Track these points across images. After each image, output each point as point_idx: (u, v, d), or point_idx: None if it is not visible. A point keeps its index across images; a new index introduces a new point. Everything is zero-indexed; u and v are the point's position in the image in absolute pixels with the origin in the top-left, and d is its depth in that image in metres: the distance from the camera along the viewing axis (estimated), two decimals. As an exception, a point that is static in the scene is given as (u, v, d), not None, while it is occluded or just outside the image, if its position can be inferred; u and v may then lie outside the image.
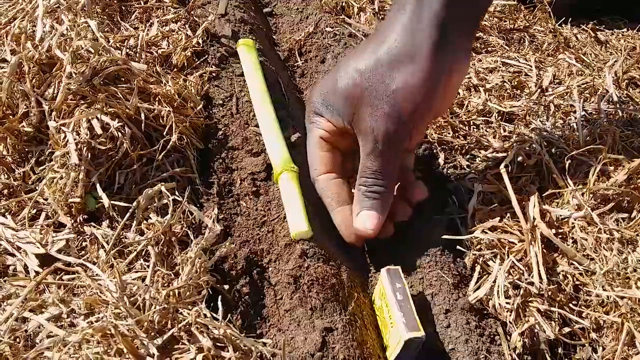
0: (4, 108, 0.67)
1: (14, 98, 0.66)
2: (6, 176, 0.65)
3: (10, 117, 0.66)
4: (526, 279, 0.61)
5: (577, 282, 0.63)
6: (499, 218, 0.67)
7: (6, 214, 0.63)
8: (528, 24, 1.11)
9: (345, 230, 0.68)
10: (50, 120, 0.64)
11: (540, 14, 1.19)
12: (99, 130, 0.63)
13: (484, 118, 0.83)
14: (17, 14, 0.83)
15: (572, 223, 0.65)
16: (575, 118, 0.83)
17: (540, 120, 0.82)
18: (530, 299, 0.61)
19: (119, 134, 0.64)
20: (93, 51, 0.68)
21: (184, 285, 0.53)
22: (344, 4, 1.06)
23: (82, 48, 0.69)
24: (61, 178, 0.61)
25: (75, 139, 0.62)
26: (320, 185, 0.70)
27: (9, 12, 0.84)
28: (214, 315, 0.53)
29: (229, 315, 0.57)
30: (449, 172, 0.79)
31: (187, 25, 0.84)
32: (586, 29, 1.20)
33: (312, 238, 0.64)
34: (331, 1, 1.04)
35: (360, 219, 0.65)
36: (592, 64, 0.96)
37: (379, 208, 0.65)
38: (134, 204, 0.61)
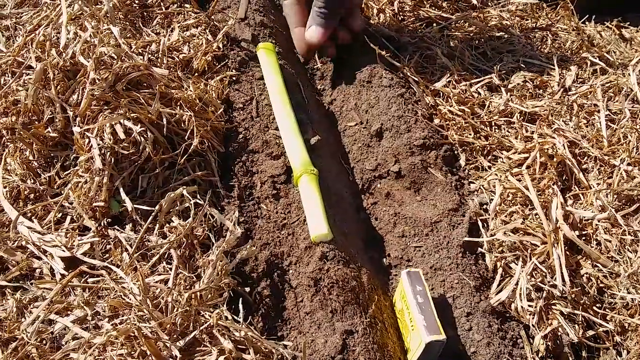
0: (30, 114, 0.68)
1: (39, 104, 0.68)
2: (32, 181, 0.66)
3: (36, 122, 0.68)
4: (549, 282, 0.60)
5: (601, 285, 0.62)
6: (521, 220, 0.66)
7: (33, 217, 0.64)
8: (550, 22, 1.10)
9: (298, 42, 0.90)
10: (74, 125, 0.66)
11: (563, 11, 1.17)
12: (122, 135, 0.64)
13: (506, 119, 0.82)
14: (42, 22, 0.85)
15: (596, 225, 0.64)
16: (599, 118, 0.82)
17: (563, 120, 0.81)
18: (553, 301, 0.60)
19: (142, 138, 0.65)
20: (116, 57, 0.69)
21: (206, 288, 0.54)
22: (363, 5, 1.06)
23: (105, 54, 0.70)
24: (85, 182, 0.62)
25: (99, 144, 0.63)
26: (285, 10, 0.92)
27: (33, 20, 0.86)
28: (235, 317, 0.53)
29: (249, 317, 0.57)
30: (470, 173, 0.79)
31: (207, 30, 0.84)
32: (610, 26, 1.18)
33: (332, 240, 0.64)
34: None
35: (310, 31, 0.85)
36: (616, 62, 0.94)
37: (324, 24, 0.84)
38: (157, 207, 0.62)
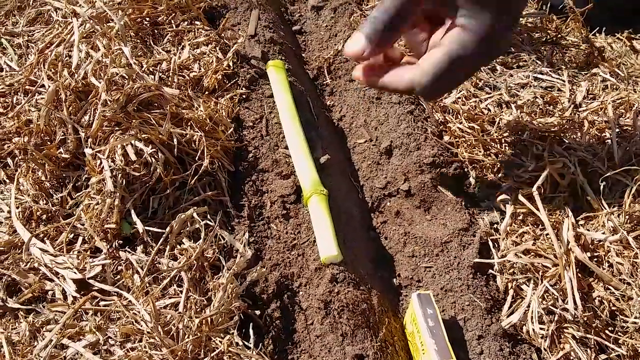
0: (42, 134, 0.69)
1: (52, 125, 0.68)
2: (45, 201, 0.67)
3: (48, 143, 0.68)
4: (561, 305, 0.60)
5: (613, 308, 0.61)
6: (532, 241, 0.66)
7: (45, 238, 0.64)
8: (560, 35, 1.09)
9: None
10: (86, 147, 0.66)
11: (573, 23, 1.17)
12: (133, 157, 0.64)
13: (516, 136, 0.82)
14: (54, 39, 0.85)
15: (608, 247, 0.64)
16: (610, 135, 0.81)
17: (574, 137, 0.81)
18: (565, 325, 0.60)
19: (153, 159, 0.65)
20: (127, 77, 0.70)
21: (217, 312, 0.54)
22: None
23: (117, 75, 0.70)
24: (97, 204, 0.63)
25: (110, 166, 0.63)
26: None
27: (45, 38, 0.87)
28: (246, 343, 0.53)
29: (260, 340, 0.57)
30: (480, 191, 0.78)
31: (217, 48, 0.85)
32: (621, 37, 1.17)
33: (342, 262, 0.64)
34: (360, 18, 1.04)
35: (350, 39, 0.60)
36: (627, 78, 0.94)
37: (369, 34, 0.59)
38: (167, 229, 0.62)
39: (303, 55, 1.04)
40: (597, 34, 1.18)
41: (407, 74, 0.60)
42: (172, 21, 0.89)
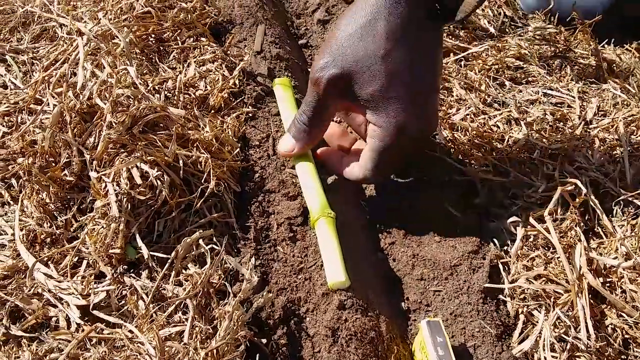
0: (47, 156, 0.68)
1: (56, 147, 0.68)
2: (49, 224, 0.66)
3: (53, 165, 0.67)
4: (573, 334, 0.58)
5: (626, 336, 0.60)
6: (544, 266, 0.65)
7: (49, 262, 0.64)
8: (569, 48, 1.08)
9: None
10: (91, 169, 0.65)
11: (582, 35, 1.16)
12: (138, 180, 0.64)
13: (526, 154, 0.81)
14: (59, 57, 0.85)
15: (621, 273, 0.63)
16: (622, 153, 0.80)
17: (585, 155, 0.80)
18: (578, 353, 0.59)
19: (158, 182, 0.65)
20: (133, 98, 0.69)
21: (222, 343, 0.53)
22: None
23: (122, 95, 0.70)
24: (102, 228, 0.62)
25: (115, 190, 0.62)
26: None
27: (50, 55, 0.86)
28: (252, 375, 0.52)
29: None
30: (490, 211, 0.77)
31: (223, 65, 0.84)
32: (630, 48, 1.16)
33: (350, 287, 0.63)
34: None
35: (281, 140, 0.74)
36: (638, 94, 0.93)
37: (295, 135, 0.71)
38: (173, 254, 0.62)
39: (310, 70, 1.03)
40: (606, 45, 1.17)
41: (356, 169, 0.72)
42: (178, 38, 0.88)
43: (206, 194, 0.67)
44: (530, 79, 0.96)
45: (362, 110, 0.66)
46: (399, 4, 0.61)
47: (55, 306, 0.60)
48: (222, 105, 0.79)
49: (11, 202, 0.70)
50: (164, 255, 0.62)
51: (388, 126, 0.65)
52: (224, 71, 0.83)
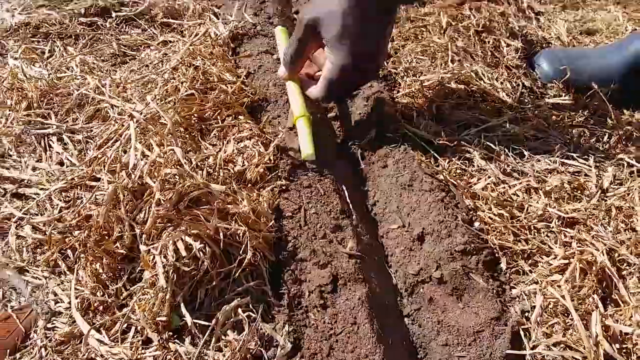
0: (101, 230, 0.75)
1: (110, 222, 0.75)
2: (101, 293, 0.73)
3: (106, 238, 0.75)
4: (592, 401, 0.61)
5: (644, 403, 0.63)
6: (562, 333, 0.68)
7: (101, 328, 0.70)
8: (586, 117, 1.13)
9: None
10: (140, 242, 0.72)
11: (600, 102, 1.21)
12: (183, 252, 0.70)
13: (545, 223, 0.85)
14: (111, 135, 0.94)
15: (636, 340, 0.65)
16: (637, 220, 0.83)
17: (602, 224, 0.83)
18: (597, 420, 0.61)
19: (201, 253, 0.71)
20: (179, 177, 0.76)
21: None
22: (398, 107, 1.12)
23: (169, 174, 0.77)
24: (150, 297, 0.68)
25: (162, 262, 0.69)
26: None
27: (103, 134, 0.95)
28: None
29: None
30: (511, 277, 0.81)
31: (259, 142, 0.92)
32: (648, 115, 1.20)
33: (317, 159, 0.91)
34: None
35: (279, 68, 1.02)
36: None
37: (285, 64, 0.99)
38: (213, 321, 0.67)
39: (337, 141, 1.10)
40: (625, 110, 1.22)
41: (314, 91, 0.98)
42: (218, 117, 0.97)
43: (244, 264, 0.73)
44: (548, 148, 1.01)
45: (324, 49, 0.92)
46: None
47: (107, 371, 0.65)
48: (258, 179, 0.86)
49: (67, 272, 0.77)
50: (205, 323, 0.67)
51: (337, 62, 0.90)
52: (260, 147, 0.90)
